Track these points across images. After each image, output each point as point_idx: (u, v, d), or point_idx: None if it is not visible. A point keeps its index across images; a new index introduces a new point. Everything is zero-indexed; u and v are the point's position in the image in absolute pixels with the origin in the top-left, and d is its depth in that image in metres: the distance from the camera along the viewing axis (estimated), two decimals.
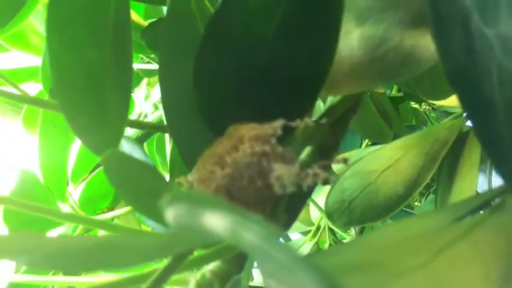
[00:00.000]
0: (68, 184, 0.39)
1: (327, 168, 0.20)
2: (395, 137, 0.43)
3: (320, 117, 0.24)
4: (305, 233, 0.58)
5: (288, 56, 0.21)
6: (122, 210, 0.42)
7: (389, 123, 0.43)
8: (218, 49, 0.22)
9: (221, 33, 0.21)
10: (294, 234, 0.63)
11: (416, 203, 0.60)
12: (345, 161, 0.20)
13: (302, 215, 0.54)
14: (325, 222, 0.56)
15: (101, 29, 0.22)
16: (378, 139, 0.44)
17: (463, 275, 0.12)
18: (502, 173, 0.14)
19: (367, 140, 0.50)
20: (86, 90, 0.21)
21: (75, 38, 0.21)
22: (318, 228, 0.56)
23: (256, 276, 0.63)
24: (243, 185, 0.18)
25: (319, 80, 0.20)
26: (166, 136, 0.43)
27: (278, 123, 0.18)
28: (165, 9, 0.43)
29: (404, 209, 0.49)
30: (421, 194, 0.55)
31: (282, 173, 0.18)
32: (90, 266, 0.15)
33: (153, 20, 0.36)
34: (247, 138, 0.18)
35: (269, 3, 0.21)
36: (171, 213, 0.11)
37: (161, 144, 0.48)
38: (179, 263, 0.19)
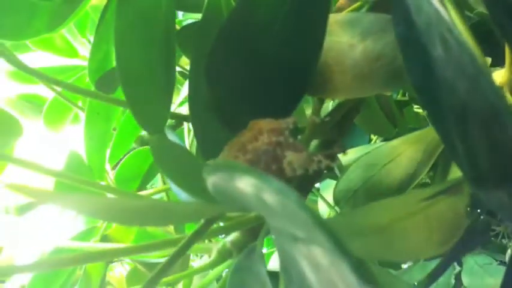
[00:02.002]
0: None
1: (330, 157, 0.25)
2: (398, 135, 0.47)
3: (326, 116, 0.28)
4: None
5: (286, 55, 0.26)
6: (150, 191, 0.47)
7: (394, 123, 0.47)
8: (229, 48, 0.26)
9: (232, 34, 0.25)
10: None
11: None
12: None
13: None
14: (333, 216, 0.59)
15: (155, 34, 0.27)
16: (381, 135, 0.49)
17: (412, 238, 0.17)
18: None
19: (374, 139, 0.54)
20: (143, 81, 0.26)
21: (135, 41, 0.26)
22: None
23: (272, 262, 0.67)
24: (261, 168, 0.23)
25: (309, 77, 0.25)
26: (185, 128, 0.47)
27: (290, 120, 0.23)
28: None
29: None
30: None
31: (293, 159, 0.22)
32: (143, 221, 0.20)
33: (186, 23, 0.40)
34: (265, 130, 0.23)
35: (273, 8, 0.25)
36: (210, 181, 0.15)
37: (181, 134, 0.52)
38: (206, 229, 0.23)
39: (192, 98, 0.28)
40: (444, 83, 0.18)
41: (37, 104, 0.63)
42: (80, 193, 0.20)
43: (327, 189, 0.60)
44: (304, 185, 0.28)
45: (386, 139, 0.52)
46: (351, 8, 0.33)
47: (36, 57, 0.55)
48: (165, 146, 0.22)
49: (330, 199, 0.59)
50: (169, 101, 0.27)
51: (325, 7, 0.25)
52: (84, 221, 0.43)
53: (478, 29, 0.38)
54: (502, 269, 0.75)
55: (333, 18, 0.29)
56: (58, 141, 0.52)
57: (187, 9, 0.41)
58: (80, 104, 0.49)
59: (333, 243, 0.12)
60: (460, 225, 0.17)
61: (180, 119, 0.39)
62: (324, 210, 0.63)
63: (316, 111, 0.27)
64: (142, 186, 0.54)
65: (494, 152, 0.17)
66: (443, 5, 0.19)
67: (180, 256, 0.23)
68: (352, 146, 0.51)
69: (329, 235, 0.12)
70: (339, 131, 0.29)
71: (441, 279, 0.71)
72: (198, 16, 0.46)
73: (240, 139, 0.23)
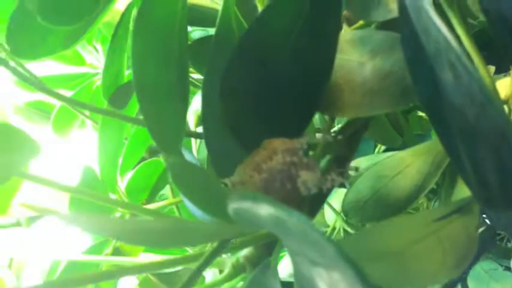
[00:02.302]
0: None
1: (343, 174, 0.25)
2: (404, 143, 0.48)
3: (338, 133, 0.29)
4: None
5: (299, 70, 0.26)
6: (161, 203, 0.47)
7: (400, 132, 0.48)
8: (243, 67, 0.26)
9: (247, 53, 0.26)
10: None
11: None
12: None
13: (317, 217, 0.58)
14: (340, 223, 0.60)
15: (170, 52, 0.27)
16: (387, 144, 0.50)
17: (426, 261, 0.17)
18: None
19: (379, 147, 0.55)
20: (158, 96, 0.27)
21: (153, 60, 0.27)
22: (333, 229, 0.59)
23: (281, 271, 0.67)
24: (276, 187, 0.23)
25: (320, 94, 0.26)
26: (193, 142, 0.48)
27: (304, 139, 0.24)
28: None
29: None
30: (429, 199, 0.59)
31: (307, 179, 0.23)
32: (165, 244, 0.21)
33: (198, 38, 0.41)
34: (280, 150, 0.23)
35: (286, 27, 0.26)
36: (233, 207, 0.16)
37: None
38: (225, 246, 0.24)
39: (205, 116, 0.29)
40: (453, 107, 0.19)
41: (45, 110, 0.64)
42: (100, 214, 0.20)
43: (333, 196, 0.61)
44: (316, 201, 0.29)
45: (392, 148, 0.53)
46: (358, 24, 0.33)
47: (44, 66, 0.56)
48: (185, 169, 0.22)
49: (336, 206, 0.60)
50: (184, 119, 0.28)
51: (336, 26, 0.26)
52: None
53: (480, 36, 0.38)
54: (508, 274, 0.75)
55: (343, 36, 0.29)
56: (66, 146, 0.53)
57: (195, 23, 0.42)
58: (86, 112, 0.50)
59: (353, 270, 0.13)
60: (472, 247, 0.18)
61: (192, 136, 0.39)
62: (331, 217, 0.64)
63: (328, 128, 0.28)
64: (151, 197, 0.54)
65: (503, 173, 0.18)
66: (452, 31, 0.19)
67: (200, 273, 0.24)
68: (358, 155, 0.52)
69: (350, 262, 0.13)
70: (349, 147, 0.30)
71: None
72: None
73: (254, 158, 0.24)
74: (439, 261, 0.17)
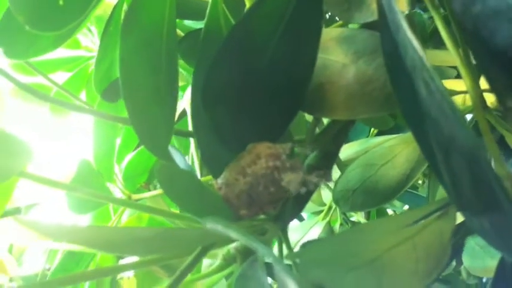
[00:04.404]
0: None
1: (326, 173, 0.26)
2: (397, 126, 0.49)
3: (324, 130, 0.30)
4: (317, 213, 0.62)
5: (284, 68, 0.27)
6: (152, 192, 0.48)
7: (393, 115, 0.48)
8: (225, 68, 0.26)
9: (229, 54, 0.26)
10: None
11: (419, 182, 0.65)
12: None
13: (314, 196, 0.58)
14: None
15: (157, 57, 0.28)
16: (379, 127, 0.51)
17: (399, 270, 0.18)
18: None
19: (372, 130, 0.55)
20: (146, 101, 0.27)
21: (139, 64, 0.27)
22: (330, 208, 0.59)
23: None
24: (260, 190, 0.24)
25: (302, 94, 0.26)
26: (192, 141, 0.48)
27: (287, 145, 0.24)
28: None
29: (409, 190, 0.55)
30: (425, 175, 0.60)
31: (291, 180, 0.24)
32: (153, 252, 0.21)
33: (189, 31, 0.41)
34: (264, 155, 0.24)
35: (269, 27, 0.26)
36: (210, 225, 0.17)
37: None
38: (210, 248, 0.25)
39: (194, 115, 0.29)
40: (430, 117, 0.19)
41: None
42: (75, 225, 0.21)
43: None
44: (302, 198, 0.29)
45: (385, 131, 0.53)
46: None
47: None
48: (174, 175, 0.23)
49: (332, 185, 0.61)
50: (172, 121, 0.28)
51: (317, 27, 0.26)
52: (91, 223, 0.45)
53: None
54: None
55: (329, 33, 0.29)
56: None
57: (185, 17, 0.42)
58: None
59: None
60: (444, 255, 0.19)
61: (184, 135, 0.40)
62: (328, 196, 0.65)
63: (312, 128, 0.29)
64: (150, 180, 0.55)
65: (475, 184, 0.19)
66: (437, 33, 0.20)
67: (193, 266, 0.25)
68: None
69: None
70: (335, 144, 0.30)
71: None
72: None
73: (239, 162, 0.25)
74: (411, 271, 0.18)
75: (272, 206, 0.25)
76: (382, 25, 0.22)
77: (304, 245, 0.26)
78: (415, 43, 0.18)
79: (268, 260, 0.15)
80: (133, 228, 0.26)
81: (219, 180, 0.25)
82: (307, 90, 0.26)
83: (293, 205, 0.27)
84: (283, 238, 0.25)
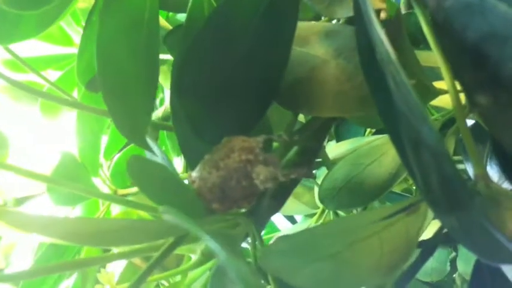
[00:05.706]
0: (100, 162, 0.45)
1: (308, 168, 0.26)
2: None
3: (304, 126, 0.29)
4: (311, 216, 0.61)
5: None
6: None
7: None
8: (198, 58, 0.26)
9: (202, 46, 0.26)
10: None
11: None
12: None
13: (307, 198, 0.57)
14: None
15: (137, 43, 0.27)
16: (369, 126, 0.50)
17: (361, 264, 0.18)
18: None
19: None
20: (124, 90, 0.27)
21: (118, 51, 0.27)
22: (323, 211, 0.59)
23: None
24: (232, 184, 0.24)
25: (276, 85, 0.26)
26: None
27: (261, 138, 0.24)
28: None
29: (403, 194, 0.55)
30: None
31: (261, 174, 0.24)
32: (119, 243, 0.21)
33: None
34: (237, 148, 0.24)
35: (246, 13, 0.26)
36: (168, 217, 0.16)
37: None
38: (182, 240, 0.24)
39: (172, 107, 0.29)
40: (399, 112, 0.19)
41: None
42: (49, 216, 0.21)
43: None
44: (282, 192, 0.29)
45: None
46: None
47: (31, 46, 0.55)
48: (144, 167, 0.23)
49: None
50: (150, 110, 0.28)
51: (294, 18, 0.26)
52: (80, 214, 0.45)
53: None
54: None
55: (313, 28, 0.29)
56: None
57: (170, 8, 0.42)
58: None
59: None
60: (409, 253, 0.18)
61: (164, 128, 0.40)
62: None
63: (291, 123, 0.28)
64: None
65: (443, 183, 0.18)
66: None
67: (163, 259, 0.25)
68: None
69: None
70: (316, 140, 0.30)
71: (436, 265, 0.72)
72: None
73: (213, 156, 0.24)
74: (373, 265, 0.18)
75: (246, 201, 0.25)
76: (357, 19, 0.21)
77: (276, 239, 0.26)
78: (383, 37, 0.18)
79: (215, 250, 0.14)
80: (99, 220, 0.26)
81: (193, 174, 0.25)
82: (283, 79, 0.26)
83: (270, 201, 0.27)
84: (256, 233, 0.25)
